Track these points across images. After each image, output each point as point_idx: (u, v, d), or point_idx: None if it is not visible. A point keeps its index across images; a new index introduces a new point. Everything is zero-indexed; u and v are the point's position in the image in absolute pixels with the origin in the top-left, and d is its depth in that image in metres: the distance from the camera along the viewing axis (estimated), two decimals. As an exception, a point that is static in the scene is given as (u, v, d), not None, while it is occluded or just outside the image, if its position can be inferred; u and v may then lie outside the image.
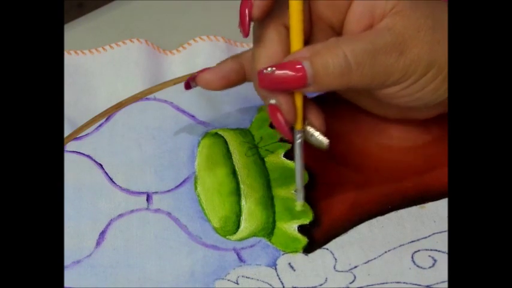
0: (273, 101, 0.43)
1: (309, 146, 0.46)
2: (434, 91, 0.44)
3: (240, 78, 0.47)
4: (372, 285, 0.44)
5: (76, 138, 0.50)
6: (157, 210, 0.47)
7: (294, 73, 0.42)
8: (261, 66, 0.43)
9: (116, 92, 0.56)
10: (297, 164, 0.45)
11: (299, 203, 0.46)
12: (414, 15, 0.43)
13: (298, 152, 0.44)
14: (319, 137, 0.44)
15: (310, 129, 0.44)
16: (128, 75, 0.57)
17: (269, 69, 0.42)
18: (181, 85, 0.52)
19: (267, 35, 0.44)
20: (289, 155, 0.49)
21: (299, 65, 0.42)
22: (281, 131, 0.44)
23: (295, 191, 0.46)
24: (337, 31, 0.45)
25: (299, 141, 0.44)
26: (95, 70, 0.58)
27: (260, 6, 0.43)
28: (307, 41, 0.45)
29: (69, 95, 0.55)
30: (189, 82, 0.48)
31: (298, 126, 0.44)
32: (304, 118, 0.44)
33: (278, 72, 0.42)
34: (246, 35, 0.43)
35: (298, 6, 0.42)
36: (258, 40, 0.44)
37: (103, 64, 0.58)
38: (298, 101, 0.43)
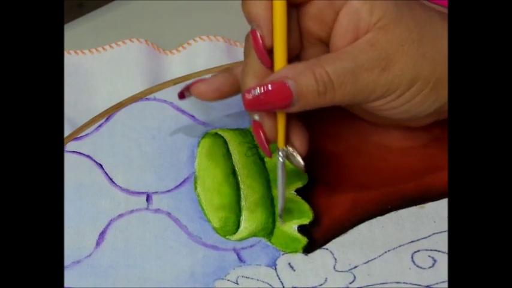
0: (256, 117, 0.44)
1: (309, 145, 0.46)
2: (421, 104, 0.44)
3: (233, 90, 0.48)
4: (371, 285, 0.44)
5: (76, 139, 0.50)
6: (157, 211, 0.47)
7: (278, 93, 0.42)
8: (249, 83, 0.43)
9: (116, 91, 0.56)
10: (279, 183, 0.45)
11: (280, 222, 0.46)
12: (398, 30, 0.43)
13: (280, 171, 0.45)
14: (297, 158, 0.44)
15: (290, 149, 0.45)
16: (128, 75, 0.57)
17: (253, 91, 0.42)
18: (181, 85, 0.52)
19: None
20: (289, 155, 0.49)
21: (283, 85, 0.42)
22: (261, 148, 0.44)
23: (280, 216, 0.46)
24: (327, 45, 0.45)
25: (281, 160, 0.44)
26: (95, 70, 0.58)
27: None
28: (298, 55, 0.46)
29: (69, 95, 0.55)
30: (183, 92, 0.49)
31: (280, 145, 0.44)
32: (288, 138, 0.44)
33: (263, 93, 0.42)
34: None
35: (282, 24, 0.42)
36: (246, 56, 0.44)
37: (103, 64, 0.58)
38: (281, 120, 0.44)
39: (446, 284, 0.44)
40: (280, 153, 0.45)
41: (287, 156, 0.45)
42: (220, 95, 0.48)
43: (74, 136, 0.50)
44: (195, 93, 0.48)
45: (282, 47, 0.43)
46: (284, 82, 0.42)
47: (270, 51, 0.43)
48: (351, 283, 0.44)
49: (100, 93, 0.56)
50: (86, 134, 0.51)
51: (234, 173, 0.49)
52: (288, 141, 0.45)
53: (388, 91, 0.43)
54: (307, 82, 0.42)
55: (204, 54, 0.58)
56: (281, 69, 0.43)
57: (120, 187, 0.48)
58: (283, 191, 0.45)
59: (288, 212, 0.47)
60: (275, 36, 0.43)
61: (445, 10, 0.46)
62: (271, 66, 0.43)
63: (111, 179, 0.48)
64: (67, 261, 0.45)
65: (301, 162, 0.45)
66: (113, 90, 0.56)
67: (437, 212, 0.46)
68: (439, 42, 0.43)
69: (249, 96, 0.43)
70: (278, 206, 0.46)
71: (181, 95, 0.49)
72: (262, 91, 0.42)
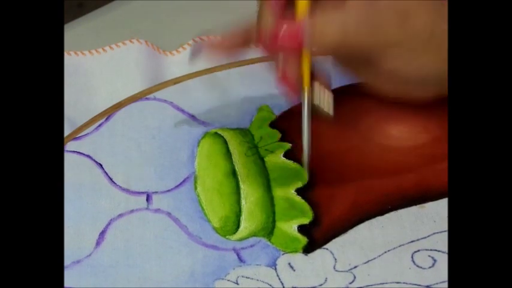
0: (280, 59, 0.44)
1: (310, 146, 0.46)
2: (434, 63, 0.44)
3: (246, 43, 0.47)
4: (371, 285, 0.44)
5: (76, 138, 0.50)
6: (157, 210, 0.47)
7: (294, 31, 0.42)
8: (266, 26, 0.43)
9: (116, 92, 0.56)
10: (304, 124, 0.45)
11: (305, 173, 0.46)
12: None
13: (305, 112, 0.45)
14: (326, 93, 0.45)
15: (317, 85, 0.45)
16: (128, 76, 0.57)
17: (269, 30, 0.42)
18: (181, 85, 0.52)
19: None
20: (289, 154, 0.49)
21: (301, 27, 0.42)
22: (288, 88, 0.44)
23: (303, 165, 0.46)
24: None
25: (306, 99, 0.45)
26: (95, 71, 0.58)
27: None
28: None
29: (69, 95, 0.55)
30: (196, 50, 0.49)
31: (306, 83, 0.44)
32: (312, 78, 0.45)
33: (279, 32, 0.42)
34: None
35: None
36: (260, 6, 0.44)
37: (103, 65, 0.58)
38: (306, 61, 0.44)
39: (446, 284, 0.44)
40: (305, 92, 0.45)
41: (314, 100, 0.45)
42: (234, 49, 0.47)
43: (74, 136, 0.50)
44: (210, 48, 0.47)
45: None
46: (302, 24, 0.42)
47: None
48: (350, 283, 0.44)
49: (100, 94, 0.56)
50: (86, 134, 0.51)
51: (234, 173, 0.48)
52: (313, 81, 0.45)
53: (406, 39, 0.43)
54: (324, 19, 0.42)
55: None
56: (299, 13, 0.43)
57: (120, 187, 0.48)
58: (309, 135, 0.46)
59: (288, 212, 0.47)
60: None
61: None
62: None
63: (111, 179, 0.48)
64: (67, 261, 0.45)
65: (331, 96, 0.45)
66: (113, 90, 0.56)
67: (437, 211, 0.46)
68: None
69: (266, 37, 0.43)
70: (304, 150, 0.46)
71: (195, 53, 0.49)
72: (279, 33, 0.42)
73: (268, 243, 0.46)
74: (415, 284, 0.44)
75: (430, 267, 0.44)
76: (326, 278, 0.44)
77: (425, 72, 0.45)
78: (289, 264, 0.45)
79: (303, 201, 0.47)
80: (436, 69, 0.45)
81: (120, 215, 0.47)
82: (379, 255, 0.45)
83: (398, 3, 0.43)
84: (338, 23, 0.43)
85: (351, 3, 0.43)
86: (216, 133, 0.51)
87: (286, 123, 0.50)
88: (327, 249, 0.45)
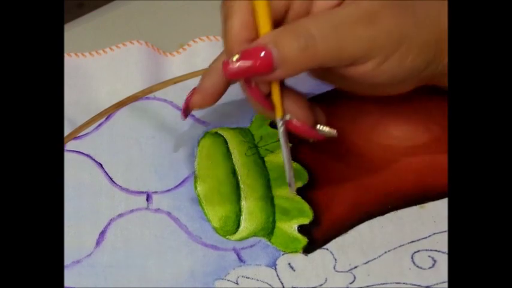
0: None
1: (309, 145, 0.46)
2: (410, 68, 0.43)
3: (226, 84, 0.46)
4: (371, 285, 0.44)
5: (76, 138, 0.50)
6: (157, 210, 0.47)
7: (259, 59, 0.41)
8: (234, 38, 0.42)
9: (116, 93, 0.56)
10: (283, 152, 0.44)
11: (292, 193, 0.46)
12: None
13: (282, 140, 0.44)
14: (325, 129, 0.44)
15: (319, 126, 0.44)
16: (128, 77, 0.57)
17: (234, 58, 0.41)
18: (181, 84, 0.52)
19: (237, 6, 0.43)
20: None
21: (263, 50, 0.41)
22: (262, 104, 0.43)
23: (289, 185, 0.46)
24: None
25: (281, 129, 0.44)
26: (95, 72, 0.58)
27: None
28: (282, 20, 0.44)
29: (69, 95, 0.55)
30: (185, 111, 0.48)
31: (278, 113, 0.43)
32: (285, 107, 0.43)
33: (243, 61, 0.41)
34: (272, 109, 0.43)
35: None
36: (227, 19, 0.43)
37: (103, 66, 0.58)
38: (275, 89, 0.43)
39: (446, 285, 0.44)
40: (279, 122, 0.44)
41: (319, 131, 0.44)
42: (218, 96, 0.47)
43: (74, 135, 0.50)
44: (195, 106, 0.47)
45: (266, 15, 0.41)
46: (264, 47, 0.41)
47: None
48: (351, 283, 0.44)
49: (100, 95, 0.56)
50: (86, 133, 0.51)
51: (234, 173, 0.48)
52: (285, 110, 0.44)
53: (373, 49, 0.42)
54: (288, 42, 0.41)
55: (203, 54, 0.58)
56: (262, 37, 0.42)
57: (120, 186, 0.48)
58: (289, 160, 0.45)
59: (288, 212, 0.47)
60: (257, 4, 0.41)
61: None
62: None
63: (111, 179, 0.48)
64: (67, 260, 0.45)
65: (331, 130, 0.44)
66: (113, 92, 0.56)
67: (437, 211, 0.46)
68: (421, 6, 0.43)
69: (229, 65, 0.41)
70: (287, 176, 0.45)
71: (185, 114, 0.48)
72: (243, 57, 0.41)
73: (268, 243, 0.46)
74: (415, 285, 0.44)
75: (430, 267, 0.44)
76: (326, 278, 0.44)
77: (402, 77, 0.44)
78: (289, 264, 0.45)
79: (302, 201, 0.47)
80: (416, 70, 0.44)
81: (120, 215, 0.47)
82: (379, 256, 0.45)
83: (361, 10, 0.42)
84: (303, 42, 0.41)
85: (310, 20, 0.42)
86: (216, 133, 0.51)
87: (286, 123, 0.50)
88: (327, 249, 0.45)
